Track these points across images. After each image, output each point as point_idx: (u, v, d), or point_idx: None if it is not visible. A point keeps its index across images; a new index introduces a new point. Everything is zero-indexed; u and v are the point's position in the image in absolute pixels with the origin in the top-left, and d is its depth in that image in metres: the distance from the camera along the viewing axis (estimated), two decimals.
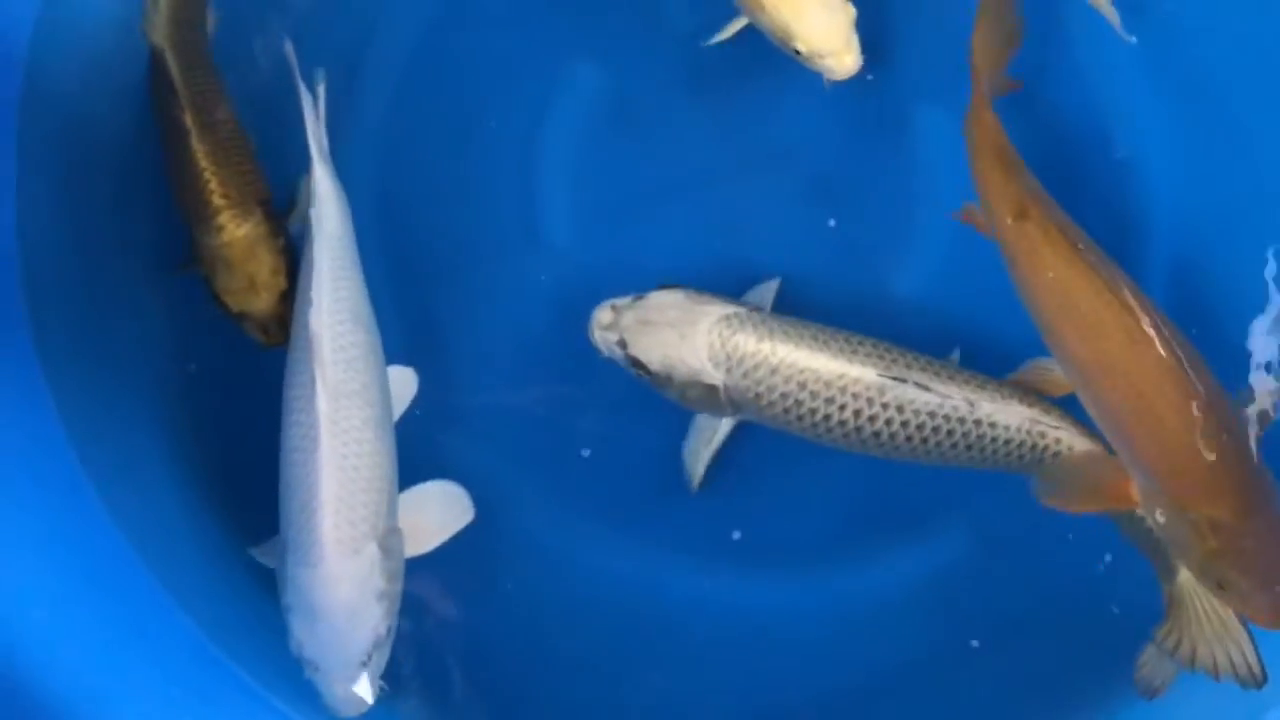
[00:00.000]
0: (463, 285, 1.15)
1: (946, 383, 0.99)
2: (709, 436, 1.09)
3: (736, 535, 1.13)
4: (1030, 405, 0.99)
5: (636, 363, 1.02)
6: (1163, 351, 0.90)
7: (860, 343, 1.00)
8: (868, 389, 0.98)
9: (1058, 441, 0.99)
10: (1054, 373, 0.99)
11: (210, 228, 1.05)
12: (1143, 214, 1.13)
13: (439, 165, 1.16)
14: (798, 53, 1.01)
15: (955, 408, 0.98)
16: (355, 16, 1.17)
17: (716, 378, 1.00)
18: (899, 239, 1.14)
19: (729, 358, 1.00)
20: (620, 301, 1.03)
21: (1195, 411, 0.89)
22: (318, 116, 1.06)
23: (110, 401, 1.11)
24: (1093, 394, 0.95)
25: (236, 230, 1.06)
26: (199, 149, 1.06)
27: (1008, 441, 0.99)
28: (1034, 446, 0.99)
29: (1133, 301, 0.92)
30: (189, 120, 1.06)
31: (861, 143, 1.15)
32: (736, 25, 1.07)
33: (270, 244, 1.07)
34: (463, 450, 1.13)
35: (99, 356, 1.12)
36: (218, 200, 1.05)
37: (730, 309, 1.02)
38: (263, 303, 1.06)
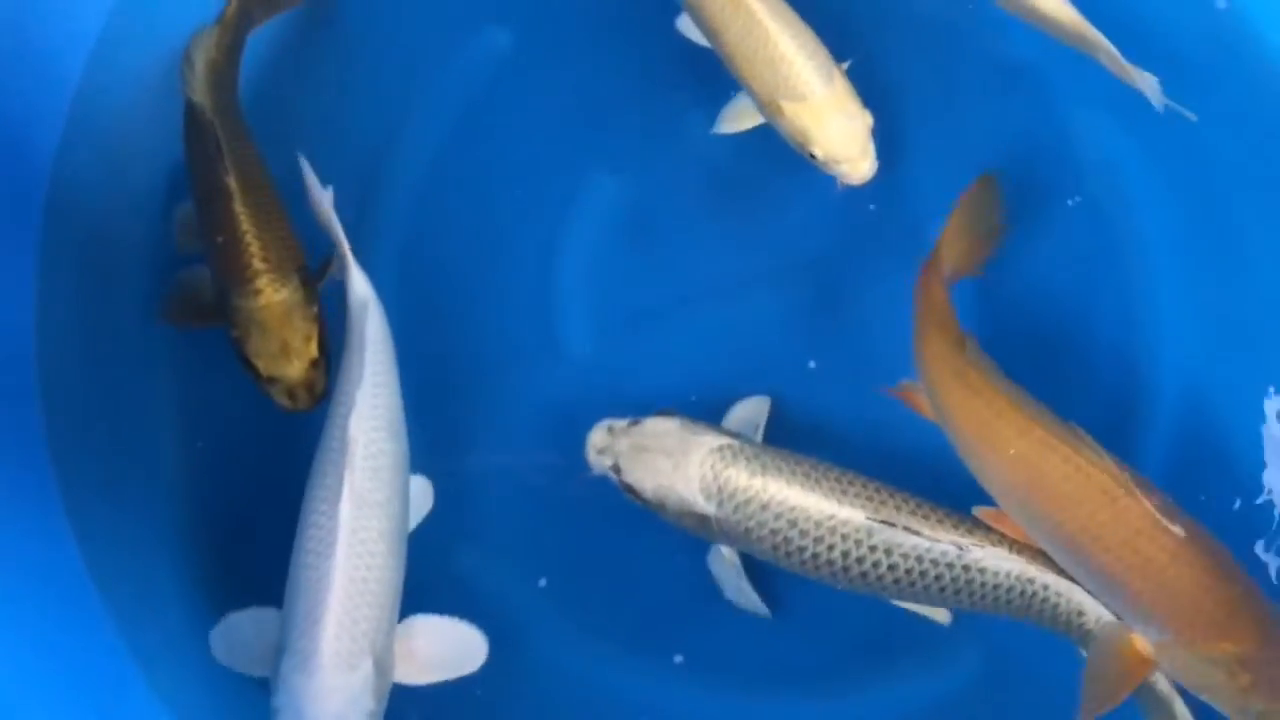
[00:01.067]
0: (479, 393, 1.16)
1: (935, 527, 0.98)
2: (731, 562, 1.09)
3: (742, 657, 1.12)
4: (1019, 552, 0.98)
5: (630, 489, 1.02)
6: (1144, 503, 0.90)
7: (851, 482, 1.00)
8: (856, 530, 0.98)
9: (1045, 588, 0.98)
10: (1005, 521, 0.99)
11: (248, 291, 1.04)
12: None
13: (457, 273, 1.17)
14: (814, 157, 1.03)
15: (944, 552, 0.98)
16: (376, 126, 1.19)
17: (708, 509, 1.00)
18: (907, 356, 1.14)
19: (720, 491, 1.00)
20: (616, 424, 1.03)
21: (1193, 552, 0.89)
22: (337, 223, 1.06)
23: (120, 498, 1.11)
24: (1083, 561, 0.94)
25: (274, 295, 1.05)
26: (241, 212, 1.05)
27: (996, 587, 0.98)
28: (1023, 593, 0.98)
29: (1100, 460, 0.92)
30: (232, 183, 1.06)
31: (875, 258, 1.16)
32: (748, 119, 1.09)
33: (305, 311, 1.06)
34: (476, 564, 1.13)
35: (109, 452, 1.12)
36: (258, 264, 1.05)
37: (724, 440, 1.02)
38: (294, 369, 1.05)
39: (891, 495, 1.00)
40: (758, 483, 0.99)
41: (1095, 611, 0.97)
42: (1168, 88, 1.02)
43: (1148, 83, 1.02)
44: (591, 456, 1.03)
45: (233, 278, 1.05)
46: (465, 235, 1.17)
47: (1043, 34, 1.05)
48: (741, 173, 1.17)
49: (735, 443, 1.02)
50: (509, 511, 1.15)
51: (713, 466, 1.00)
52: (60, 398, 1.11)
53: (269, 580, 0.98)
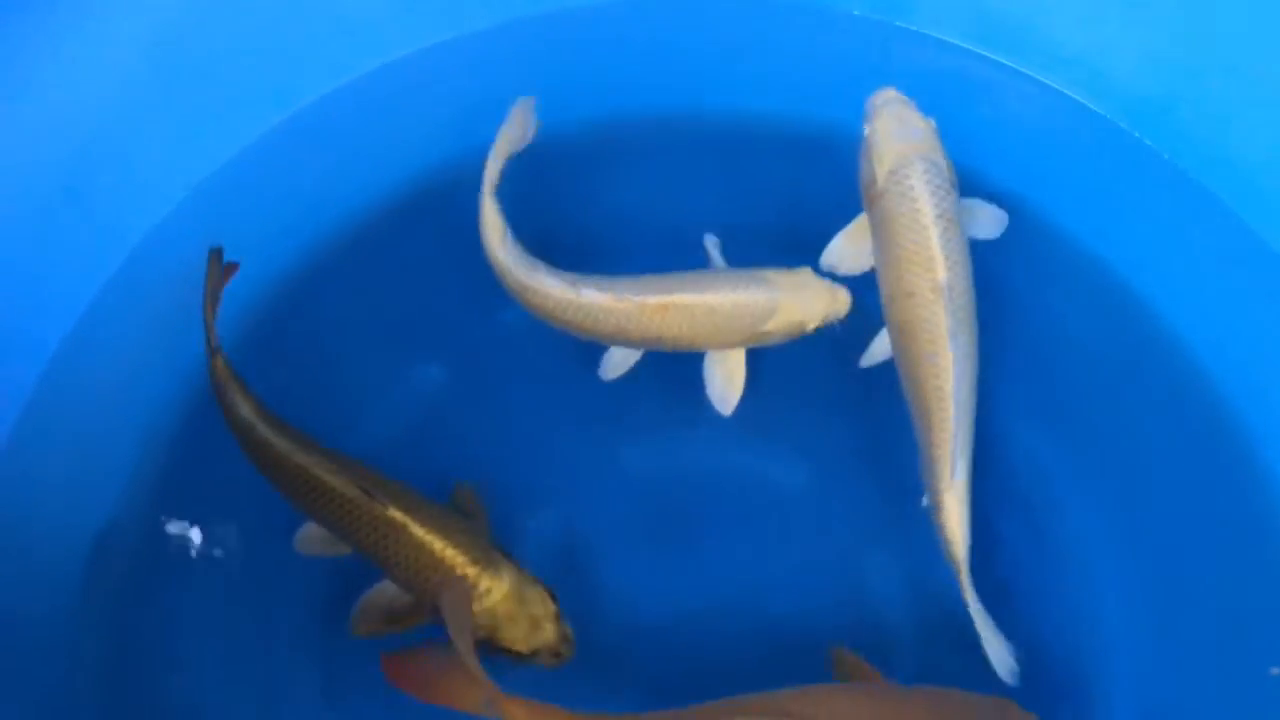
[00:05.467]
0: None
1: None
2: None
3: None
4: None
5: None
6: None
7: None
8: None
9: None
10: None
11: (474, 596, 1.05)
12: None
13: None
14: (818, 330, 1.11)
15: None
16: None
17: None
18: None
19: None
20: None
21: None
22: None
23: None
24: None
25: (500, 585, 1.05)
26: (421, 534, 1.05)
27: None
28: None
29: None
30: (398, 515, 1.05)
31: (816, 592, 1.17)
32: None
33: (524, 576, 1.07)
34: None
35: None
36: (468, 569, 1.05)
37: None
38: (548, 633, 1.05)
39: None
40: None
41: None
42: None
43: (1000, 654, 1.03)
44: None
45: (448, 589, 1.05)
46: None
47: None
48: (686, 506, 1.19)
49: None
50: None
51: None
52: None
53: None
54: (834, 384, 1.20)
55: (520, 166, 1.13)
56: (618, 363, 1.15)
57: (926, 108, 1.08)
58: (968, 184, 1.09)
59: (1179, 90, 1.23)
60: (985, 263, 1.07)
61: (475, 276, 1.13)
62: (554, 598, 1.07)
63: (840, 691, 0.99)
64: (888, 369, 1.10)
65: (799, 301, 1.10)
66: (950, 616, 1.14)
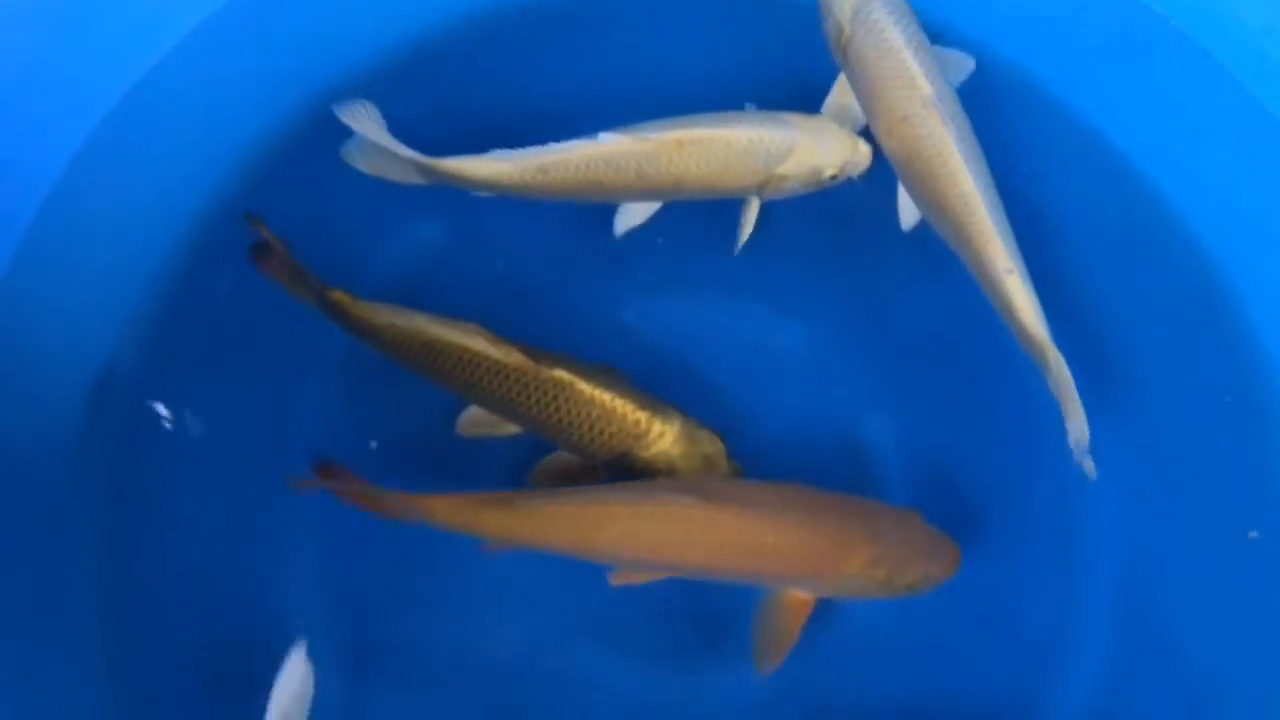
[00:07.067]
0: None
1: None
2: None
3: None
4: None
5: None
6: (726, 512, 1.01)
7: None
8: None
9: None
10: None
11: (648, 443, 1.08)
12: None
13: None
14: (833, 179, 1.11)
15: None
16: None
17: None
18: None
19: None
20: None
21: (784, 520, 1.02)
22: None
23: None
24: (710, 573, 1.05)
25: (672, 428, 1.09)
26: (589, 390, 1.08)
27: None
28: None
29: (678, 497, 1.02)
30: (564, 375, 1.08)
31: (813, 451, 1.19)
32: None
33: (691, 420, 1.11)
34: None
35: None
36: (637, 414, 1.09)
37: None
38: (721, 470, 1.10)
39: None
40: None
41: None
42: None
43: (1078, 423, 1.03)
44: None
45: (625, 443, 1.08)
46: None
47: None
48: (678, 366, 1.20)
49: None
50: None
51: None
52: None
53: None
54: (838, 247, 1.21)
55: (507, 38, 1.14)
56: (632, 216, 1.15)
57: None
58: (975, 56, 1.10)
59: None
60: (979, 134, 1.07)
61: (478, 134, 1.12)
62: (721, 437, 1.11)
63: (757, 485, 1.06)
64: (887, 232, 1.12)
65: (817, 144, 1.10)
66: (942, 477, 1.18)
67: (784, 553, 1.02)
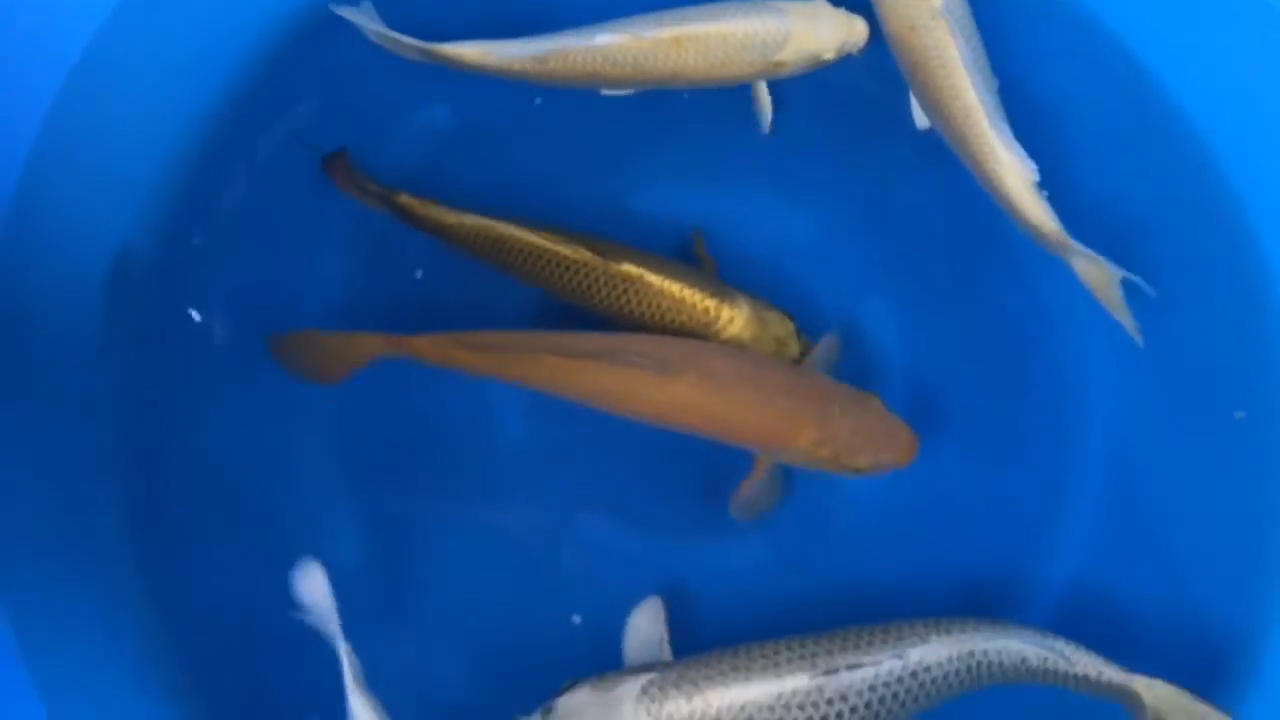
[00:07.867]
0: None
1: (870, 649, 1.00)
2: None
3: None
4: (949, 631, 1.02)
5: None
6: (680, 383, 1.05)
7: (777, 651, 1.00)
8: (808, 695, 0.98)
9: (985, 654, 1.02)
10: None
11: (719, 328, 1.12)
12: None
13: None
14: (829, 60, 1.12)
15: (890, 670, 0.99)
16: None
17: None
18: None
19: None
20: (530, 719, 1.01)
21: (742, 394, 1.06)
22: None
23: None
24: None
25: (741, 312, 1.12)
26: (658, 281, 1.11)
27: (945, 674, 1.01)
28: (969, 669, 1.02)
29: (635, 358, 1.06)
30: (632, 269, 1.11)
31: (813, 338, 1.19)
32: None
33: (760, 302, 1.14)
34: None
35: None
36: (707, 302, 1.12)
37: (644, 678, 1.00)
38: (792, 349, 1.14)
39: (819, 643, 1.00)
40: (698, 703, 0.98)
41: (1035, 651, 1.03)
42: None
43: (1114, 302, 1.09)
44: None
45: (697, 330, 1.12)
46: None
47: None
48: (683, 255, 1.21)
49: (655, 675, 1.00)
50: None
51: (648, 710, 0.98)
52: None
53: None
54: (848, 139, 1.22)
55: None
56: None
57: None
58: None
59: None
60: (985, 31, 1.08)
61: (481, 21, 1.13)
62: (791, 316, 1.14)
63: (726, 356, 1.09)
64: (897, 127, 1.13)
65: (812, 29, 1.11)
66: (939, 362, 1.21)
67: (733, 424, 1.07)
